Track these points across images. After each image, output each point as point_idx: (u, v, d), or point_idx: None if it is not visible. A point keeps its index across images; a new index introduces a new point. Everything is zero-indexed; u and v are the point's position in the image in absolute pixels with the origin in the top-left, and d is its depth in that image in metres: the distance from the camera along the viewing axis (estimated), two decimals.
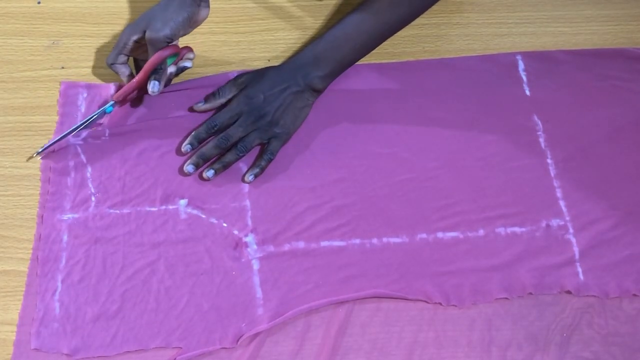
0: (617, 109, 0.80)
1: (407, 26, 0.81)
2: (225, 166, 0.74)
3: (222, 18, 0.86)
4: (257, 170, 0.74)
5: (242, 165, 0.76)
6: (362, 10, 0.77)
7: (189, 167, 0.74)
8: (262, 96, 0.75)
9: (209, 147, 0.74)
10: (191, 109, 0.78)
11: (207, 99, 0.77)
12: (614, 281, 0.70)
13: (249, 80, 0.77)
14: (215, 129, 0.75)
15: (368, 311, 0.68)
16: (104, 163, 0.75)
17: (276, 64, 0.82)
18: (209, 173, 0.74)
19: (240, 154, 0.75)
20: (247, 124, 0.75)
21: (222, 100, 0.77)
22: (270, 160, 0.75)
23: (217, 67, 0.82)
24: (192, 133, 0.75)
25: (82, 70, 0.81)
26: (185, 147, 0.75)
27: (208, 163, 0.75)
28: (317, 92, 0.77)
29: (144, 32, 0.74)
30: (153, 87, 0.74)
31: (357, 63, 0.82)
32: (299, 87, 0.76)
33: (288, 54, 0.83)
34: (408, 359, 0.66)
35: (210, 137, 0.76)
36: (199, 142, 0.75)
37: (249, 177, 0.74)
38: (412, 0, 0.79)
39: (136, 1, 0.86)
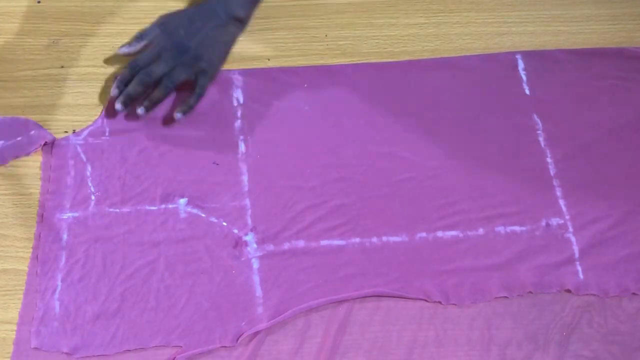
0: (617, 108, 0.81)
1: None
2: (155, 102, 0.75)
3: None
4: (185, 107, 0.75)
5: (242, 165, 0.76)
6: None
7: (117, 106, 0.74)
8: (183, 31, 0.75)
9: (133, 85, 0.75)
10: (116, 54, 0.79)
11: (130, 42, 0.77)
12: (614, 280, 0.70)
13: (170, 18, 0.77)
14: (138, 69, 0.75)
15: (368, 310, 0.68)
16: (103, 162, 0.75)
17: (276, 63, 0.82)
18: (139, 110, 0.75)
19: (168, 90, 0.75)
20: (169, 59, 0.75)
21: (145, 42, 0.77)
22: (200, 97, 0.75)
23: None
24: (118, 77, 0.76)
25: (82, 70, 0.81)
26: (113, 91, 0.75)
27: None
28: (241, 22, 0.77)
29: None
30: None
31: (356, 63, 0.82)
32: (220, 20, 0.75)
33: (288, 53, 0.83)
34: (408, 358, 0.66)
35: (133, 76, 0.76)
36: (126, 84, 0.75)
37: (178, 115, 0.75)
38: None
39: (136, 1, 0.86)
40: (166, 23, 0.77)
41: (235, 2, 0.76)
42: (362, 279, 0.70)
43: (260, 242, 0.71)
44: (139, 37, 0.77)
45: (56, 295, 0.67)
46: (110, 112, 0.77)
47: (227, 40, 0.76)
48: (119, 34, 0.83)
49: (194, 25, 0.75)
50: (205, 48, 0.75)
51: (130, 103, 0.75)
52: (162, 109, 0.78)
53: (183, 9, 0.78)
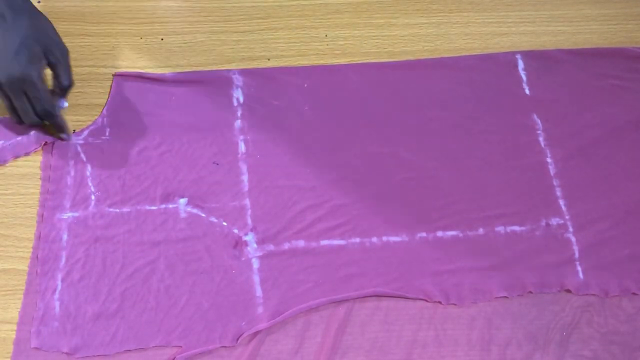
0: (617, 108, 0.81)
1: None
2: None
3: (222, 17, 0.86)
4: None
5: (242, 165, 0.75)
6: None
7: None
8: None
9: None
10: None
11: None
12: (614, 280, 0.70)
13: None
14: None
15: (368, 310, 0.68)
16: (103, 162, 0.75)
17: (276, 63, 0.82)
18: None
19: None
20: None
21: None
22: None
23: (217, 66, 0.82)
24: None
25: (82, 70, 0.81)
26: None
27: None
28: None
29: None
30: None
31: (357, 63, 0.82)
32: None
33: (288, 53, 0.83)
34: (408, 358, 0.66)
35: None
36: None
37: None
38: None
39: (136, 0, 0.86)
40: None
41: None
42: (362, 279, 0.70)
43: (260, 242, 0.71)
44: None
45: (56, 295, 0.67)
46: (111, 115, 0.78)
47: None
48: (119, 34, 0.83)
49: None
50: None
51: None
52: (162, 106, 0.78)
53: None
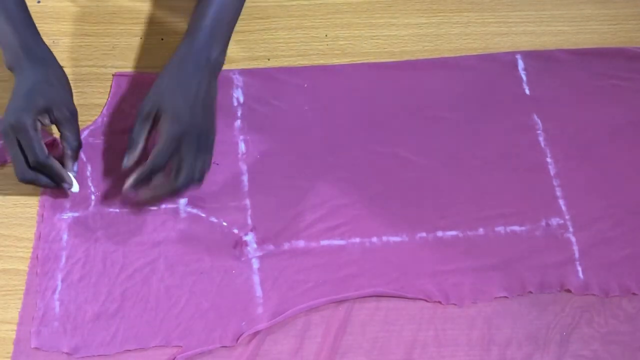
0: (617, 108, 0.81)
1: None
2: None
3: None
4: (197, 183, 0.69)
5: (242, 165, 0.76)
6: None
7: (128, 190, 0.69)
8: (188, 111, 0.68)
9: (165, 193, 0.68)
10: (124, 170, 0.70)
11: (128, 152, 0.70)
12: (614, 280, 0.70)
13: (157, 104, 0.69)
14: (163, 169, 0.68)
15: (368, 310, 0.68)
16: (104, 162, 0.75)
17: (276, 63, 0.82)
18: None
19: (200, 184, 0.69)
20: (195, 151, 0.67)
21: (143, 143, 0.70)
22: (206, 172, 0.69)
23: None
24: (134, 176, 0.68)
25: (82, 70, 0.81)
26: (128, 189, 0.68)
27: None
28: (220, 70, 0.72)
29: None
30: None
31: (357, 63, 0.82)
32: (206, 80, 0.70)
33: (288, 53, 0.83)
34: (408, 358, 0.66)
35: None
36: (142, 185, 0.69)
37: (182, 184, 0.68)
38: None
39: (136, 0, 0.86)
40: (160, 111, 0.68)
41: (216, 52, 0.70)
42: (362, 279, 0.70)
43: (260, 242, 0.71)
44: (133, 142, 0.69)
45: (56, 295, 0.67)
46: (111, 115, 0.78)
47: (215, 99, 0.70)
48: (119, 34, 0.83)
49: (189, 99, 0.68)
50: (209, 116, 0.69)
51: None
52: None
53: (157, 83, 0.70)
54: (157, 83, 0.71)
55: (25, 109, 0.67)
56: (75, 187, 0.71)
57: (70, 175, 0.70)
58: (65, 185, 0.70)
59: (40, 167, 0.68)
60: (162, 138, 0.67)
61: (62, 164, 0.70)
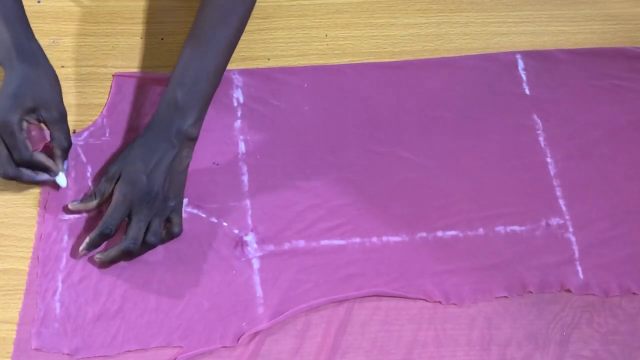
0: (617, 108, 0.81)
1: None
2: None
3: None
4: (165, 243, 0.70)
5: (242, 165, 0.75)
6: (196, 37, 0.72)
7: (97, 260, 0.69)
8: (144, 177, 0.68)
9: (117, 255, 0.68)
10: (66, 209, 0.71)
11: (82, 199, 0.71)
12: (614, 280, 0.70)
13: (121, 166, 0.70)
14: (112, 233, 0.68)
15: (368, 310, 0.69)
16: (104, 162, 0.75)
17: (276, 63, 0.82)
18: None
19: (154, 246, 0.69)
20: (145, 214, 0.68)
21: (99, 200, 0.70)
22: (178, 234, 0.70)
23: None
24: (87, 239, 0.68)
25: (82, 70, 0.81)
26: (82, 252, 0.68)
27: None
28: (194, 140, 0.71)
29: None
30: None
31: (357, 63, 0.82)
32: (174, 149, 0.69)
33: (288, 53, 0.83)
34: (408, 358, 0.66)
35: (105, 241, 0.69)
36: (96, 248, 0.69)
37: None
38: (236, 9, 0.73)
39: (136, 0, 0.86)
40: (122, 174, 0.69)
41: (188, 126, 0.70)
42: (362, 279, 0.70)
43: (261, 242, 0.71)
44: (92, 195, 0.70)
45: (57, 296, 0.67)
46: (111, 115, 0.78)
47: (184, 169, 0.70)
48: (119, 33, 0.83)
49: (150, 165, 0.69)
50: (169, 185, 0.69)
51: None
52: None
53: (127, 148, 0.71)
54: (127, 148, 0.72)
55: (11, 108, 0.67)
56: (63, 181, 0.72)
57: (59, 171, 0.71)
58: (52, 175, 0.71)
59: (25, 165, 0.69)
60: (112, 200, 0.69)
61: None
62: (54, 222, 0.71)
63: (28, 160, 0.69)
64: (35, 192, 0.73)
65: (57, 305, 0.67)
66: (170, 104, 0.71)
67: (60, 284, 0.68)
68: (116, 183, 0.69)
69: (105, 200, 0.70)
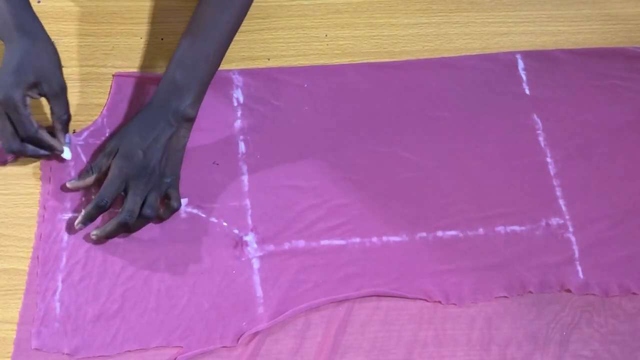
0: (617, 108, 0.81)
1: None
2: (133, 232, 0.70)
3: None
4: (161, 221, 0.71)
5: (242, 165, 0.76)
6: (197, 21, 0.74)
7: (93, 237, 0.69)
8: (141, 152, 0.69)
9: (113, 229, 0.68)
10: (64, 187, 0.72)
11: (80, 175, 0.72)
12: (614, 280, 0.71)
13: (119, 142, 0.71)
14: (108, 205, 0.69)
15: (368, 310, 0.69)
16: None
17: (276, 63, 0.82)
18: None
19: (151, 219, 0.70)
20: (141, 188, 0.69)
21: (97, 175, 0.71)
22: (176, 210, 0.71)
23: None
24: (83, 212, 0.69)
25: (82, 69, 0.81)
26: (78, 225, 0.69)
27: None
28: (191, 120, 0.72)
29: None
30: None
31: (357, 63, 0.82)
32: (172, 127, 0.70)
33: (288, 53, 0.83)
34: (408, 358, 0.66)
35: (101, 213, 0.70)
36: (92, 221, 0.69)
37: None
38: None
39: (136, 0, 0.86)
40: (119, 149, 0.70)
41: (185, 106, 0.71)
42: (362, 279, 0.70)
43: (261, 242, 0.71)
44: (90, 169, 0.71)
45: (57, 296, 0.67)
46: (111, 115, 0.78)
47: (181, 147, 0.71)
48: (119, 34, 0.83)
49: (148, 141, 0.70)
50: (166, 162, 0.70)
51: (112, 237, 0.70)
52: None
53: (126, 125, 0.72)
54: (125, 125, 0.73)
55: (14, 84, 0.68)
56: (67, 154, 0.73)
57: (62, 148, 0.72)
58: (57, 152, 0.72)
59: (29, 140, 0.70)
60: (109, 173, 0.70)
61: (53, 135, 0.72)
62: (54, 222, 0.71)
63: (33, 135, 0.69)
64: (35, 192, 0.73)
65: (57, 305, 0.67)
66: (169, 84, 0.72)
67: (60, 284, 0.68)
68: (113, 158, 0.70)
69: (103, 175, 0.71)
